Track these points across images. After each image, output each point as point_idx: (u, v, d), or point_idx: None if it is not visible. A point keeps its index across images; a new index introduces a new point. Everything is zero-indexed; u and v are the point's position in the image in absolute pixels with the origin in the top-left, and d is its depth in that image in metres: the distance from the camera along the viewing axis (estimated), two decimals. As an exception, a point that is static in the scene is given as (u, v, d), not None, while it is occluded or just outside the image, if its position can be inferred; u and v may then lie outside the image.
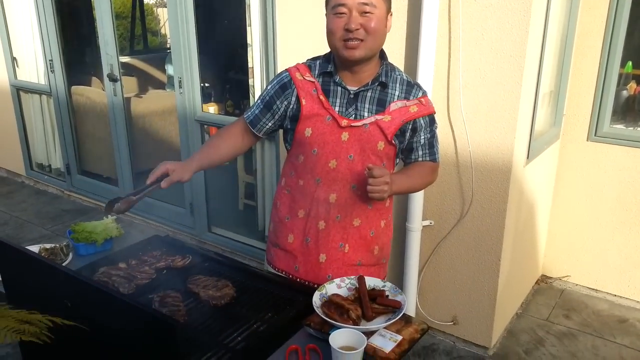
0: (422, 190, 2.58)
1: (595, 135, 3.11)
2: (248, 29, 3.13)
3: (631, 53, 3.09)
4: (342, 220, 1.66)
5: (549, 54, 2.64)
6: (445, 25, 2.42)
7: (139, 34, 6.55)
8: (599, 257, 3.25)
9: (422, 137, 1.67)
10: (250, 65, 3.23)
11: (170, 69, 5.13)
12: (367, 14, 1.51)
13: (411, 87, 1.66)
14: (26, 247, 1.53)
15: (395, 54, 2.57)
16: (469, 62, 2.41)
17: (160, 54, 6.07)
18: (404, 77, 1.67)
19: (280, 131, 1.79)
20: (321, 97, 1.62)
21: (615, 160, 3.08)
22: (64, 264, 1.75)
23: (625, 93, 3.18)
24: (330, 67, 1.63)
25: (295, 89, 1.65)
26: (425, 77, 2.42)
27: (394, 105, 1.61)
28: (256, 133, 1.75)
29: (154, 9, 9.04)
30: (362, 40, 1.53)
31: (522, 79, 2.30)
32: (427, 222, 2.68)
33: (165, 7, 3.79)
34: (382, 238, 1.75)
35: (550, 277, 3.44)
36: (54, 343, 1.34)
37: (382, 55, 1.67)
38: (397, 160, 1.74)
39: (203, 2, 3.49)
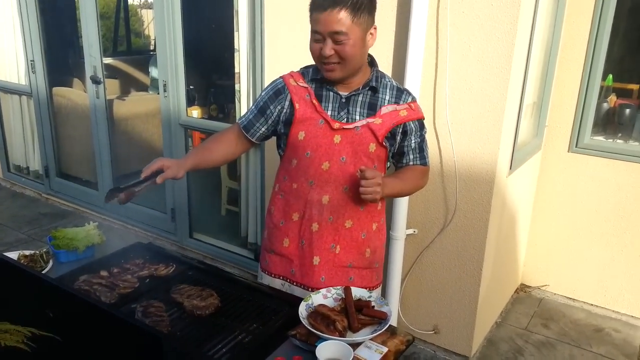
0: (407, 199, 2.60)
1: (576, 146, 3.17)
2: (235, 34, 3.12)
3: (612, 66, 3.16)
4: (334, 221, 1.69)
5: (534, 65, 2.69)
6: (433, 36, 2.44)
7: (122, 35, 6.47)
8: (577, 267, 3.30)
9: (413, 141, 1.71)
10: (237, 70, 3.21)
11: (154, 72, 5.08)
12: (340, 42, 1.54)
13: (401, 93, 1.70)
14: (4, 254, 1.50)
15: (383, 63, 2.57)
16: (455, 73, 2.43)
17: (143, 56, 6.00)
18: (394, 84, 1.72)
19: (272, 138, 1.82)
20: (314, 101, 1.66)
21: (595, 172, 3.14)
22: (43, 272, 1.71)
23: (606, 105, 3.25)
24: (321, 74, 1.67)
25: (289, 94, 1.69)
26: (412, 87, 2.43)
27: (384, 109, 1.66)
28: (250, 138, 1.79)
29: (138, 10, 8.95)
30: (338, 63, 1.58)
31: (507, 90, 2.34)
32: (410, 231, 2.69)
33: (150, 8, 3.74)
34: (374, 241, 1.77)
35: (529, 286, 3.48)
36: (36, 355, 1.31)
37: (372, 63, 1.72)
38: (389, 164, 1.78)
39: (190, 6, 3.45)
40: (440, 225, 2.64)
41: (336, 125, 1.64)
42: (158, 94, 3.60)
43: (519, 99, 2.53)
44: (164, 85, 3.48)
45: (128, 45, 6.60)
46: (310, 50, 1.61)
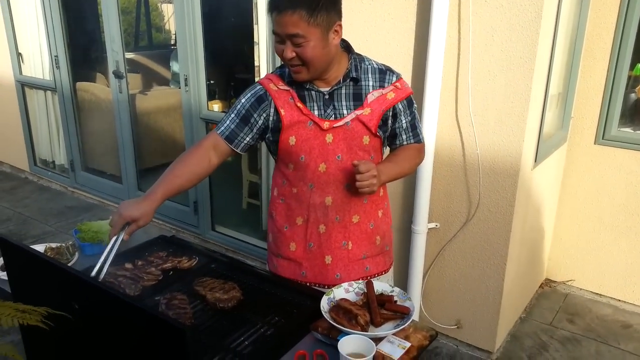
0: (429, 192, 2.57)
1: (602, 138, 3.09)
2: (255, 27, 3.12)
3: (640, 56, 3.07)
4: (341, 220, 1.67)
5: (559, 55, 2.62)
6: (455, 27, 2.40)
7: (143, 29, 6.53)
8: (604, 262, 3.23)
9: (404, 120, 1.66)
10: (256, 63, 3.22)
11: (175, 66, 5.11)
12: (300, 45, 1.47)
13: (384, 74, 1.63)
14: (32, 247, 1.52)
15: (404, 55, 2.56)
16: (478, 64, 2.39)
17: (164, 51, 6.04)
18: (375, 65, 1.64)
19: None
20: (298, 104, 1.60)
21: (623, 164, 3.06)
22: (69, 264, 1.74)
23: (633, 96, 3.16)
24: None
25: (272, 101, 1.62)
26: (433, 79, 2.40)
27: (370, 97, 1.60)
28: (234, 149, 1.67)
29: (158, 5, 9.01)
30: (302, 65, 1.51)
31: (532, 81, 2.29)
32: (432, 225, 2.67)
33: (170, 3, 3.77)
34: (381, 227, 1.76)
35: (554, 281, 3.43)
36: (60, 346, 1.33)
37: (348, 49, 1.63)
38: (384, 149, 1.74)
39: (209, 0, 3.47)
40: (463, 219, 2.61)
41: (326, 124, 1.58)
42: (179, 88, 3.63)
43: (543, 90, 2.48)
44: (185, 80, 3.50)
45: (149, 40, 6.66)
46: (276, 52, 1.55)
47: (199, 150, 1.65)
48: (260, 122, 1.64)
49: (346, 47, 1.63)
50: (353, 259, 1.71)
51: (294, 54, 1.48)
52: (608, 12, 2.92)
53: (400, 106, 1.64)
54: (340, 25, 1.53)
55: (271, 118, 1.63)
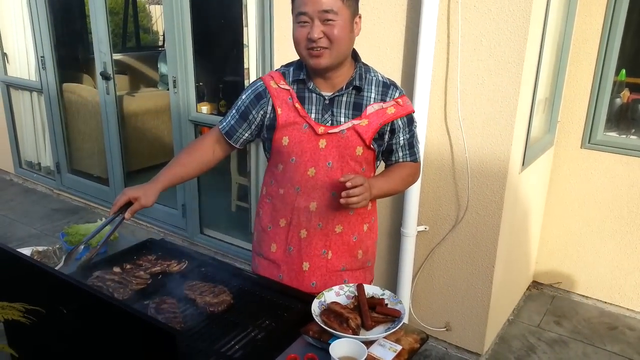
0: (418, 195, 2.58)
1: (589, 142, 3.13)
2: (244, 29, 3.11)
3: (625, 61, 3.11)
4: (323, 227, 1.65)
5: (546, 60, 2.65)
6: (444, 31, 2.42)
7: (131, 31, 6.48)
8: (590, 264, 3.27)
9: (402, 138, 1.65)
10: (246, 66, 3.21)
11: (163, 68, 5.09)
12: (330, 22, 1.48)
13: (387, 88, 1.62)
14: (18, 250, 1.50)
15: (393, 59, 2.57)
16: (467, 68, 2.41)
17: (152, 52, 6.01)
18: (380, 78, 1.64)
19: None
20: (297, 105, 1.59)
21: (608, 168, 3.10)
22: (56, 268, 1.71)
23: (618, 101, 3.20)
24: (302, 74, 1.61)
25: (270, 98, 1.62)
26: (422, 83, 2.42)
27: (370, 109, 1.59)
28: (233, 144, 1.72)
29: (146, 6, 8.96)
30: (326, 48, 1.51)
31: (520, 85, 2.31)
32: (422, 228, 2.68)
33: (158, 4, 3.74)
34: (365, 242, 1.74)
35: (542, 284, 3.46)
36: (49, 352, 1.31)
37: (356, 57, 1.64)
38: (378, 162, 1.72)
39: (199, 2, 3.45)
40: (451, 222, 2.62)
41: (321, 129, 1.57)
42: (168, 90, 3.61)
43: (531, 94, 2.50)
44: (174, 81, 3.48)
45: (137, 41, 6.62)
46: (295, 38, 1.53)
47: (204, 143, 1.72)
48: (258, 118, 1.66)
49: (354, 55, 1.63)
50: (331, 269, 1.70)
51: (322, 34, 1.48)
52: (594, 18, 2.96)
53: (400, 123, 1.63)
54: (360, 18, 1.56)
55: (268, 115, 1.63)
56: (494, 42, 2.32)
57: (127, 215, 1.55)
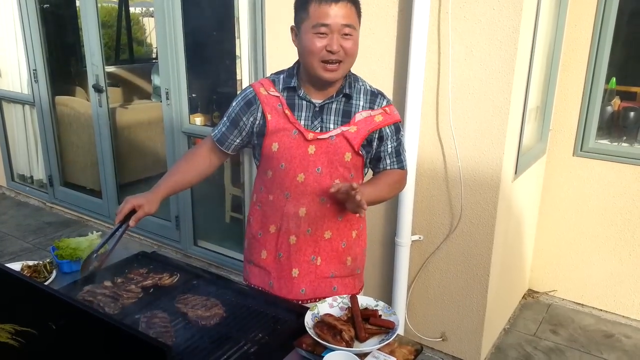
0: (412, 205, 2.58)
1: (580, 150, 3.15)
2: (237, 41, 3.12)
3: (615, 69, 3.14)
4: (312, 233, 1.66)
5: (536, 69, 2.67)
6: (435, 41, 2.43)
7: (124, 43, 6.49)
8: (585, 272, 3.27)
9: (389, 145, 1.68)
10: (238, 77, 3.22)
11: (156, 80, 5.08)
12: (348, 36, 1.52)
13: (375, 97, 1.66)
14: (7, 265, 1.48)
15: (385, 69, 2.58)
16: (458, 78, 2.42)
17: (146, 64, 6.01)
18: (368, 87, 1.68)
19: None
20: (286, 111, 1.62)
21: (601, 176, 3.11)
22: (46, 282, 1.70)
23: (609, 109, 3.22)
24: (293, 82, 1.63)
25: (260, 105, 1.64)
26: (414, 93, 2.43)
27: (359, 116, 1.62)
28: (225, 150, 1.74)
29: (140, 18, 8.99)
30: (341, 62, 1.54)
31: (510, 94, 2.32)
32: (416, 237, 2.67)
33: (151, 16, 3.75)
34: (354, 249, 1.75)
35: (537, 292, 3.45)
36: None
37: None
38: (366, 170, 1.75)
39: (191, 14, 3.46)
40: (445, 231, 2.62)
41: (310, 135, 1.59)
42: (161, 101, 3.60)
43: (522, 103, 2.51)
44: (167, 93, 3.48)
45: (130, 53, 6.62)
46: (308, 49, 1.52)
47: (200, 151, 1.76)
48: (248, 125, 1.67)
49: None
50: (320, 276, 1.70)
51: (340, 47, 1.51)
52: (584, 27, 2.99)
53: (387, 131, 1.66)
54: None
55: (258, 122, 1.65)
56: (484, 52, 2.33)
57: (131, 223, 1.56)
